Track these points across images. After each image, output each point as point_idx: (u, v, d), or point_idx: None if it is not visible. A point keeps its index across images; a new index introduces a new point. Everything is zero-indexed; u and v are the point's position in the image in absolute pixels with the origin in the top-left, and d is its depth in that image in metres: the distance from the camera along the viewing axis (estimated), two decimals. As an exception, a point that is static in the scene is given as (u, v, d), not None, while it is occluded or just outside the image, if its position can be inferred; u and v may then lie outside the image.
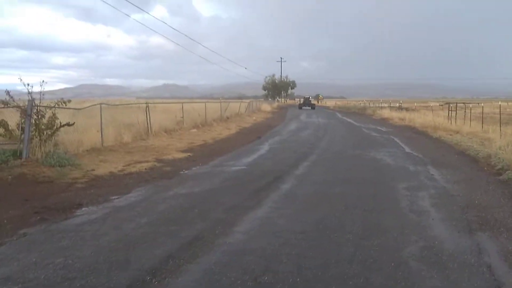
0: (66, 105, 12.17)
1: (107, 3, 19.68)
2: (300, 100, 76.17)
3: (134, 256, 4.76)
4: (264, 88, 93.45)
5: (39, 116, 11.17)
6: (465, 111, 24.74)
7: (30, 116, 10.91)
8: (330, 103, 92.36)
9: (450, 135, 19.19)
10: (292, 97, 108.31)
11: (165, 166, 11.52)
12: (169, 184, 9.01)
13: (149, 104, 29.76)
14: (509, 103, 62.21)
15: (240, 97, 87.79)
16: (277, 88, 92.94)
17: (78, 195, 8.09)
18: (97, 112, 19.56)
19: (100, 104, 14.43)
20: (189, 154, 13.89)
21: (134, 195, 8.06)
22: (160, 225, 5.96)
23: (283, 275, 4.23)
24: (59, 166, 10.50)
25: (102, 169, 10.79)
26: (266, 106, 54.92)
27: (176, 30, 34.26)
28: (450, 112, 26.29)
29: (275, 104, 73.23)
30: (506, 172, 9.91)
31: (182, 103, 23.11)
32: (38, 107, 11.10)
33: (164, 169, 11.14)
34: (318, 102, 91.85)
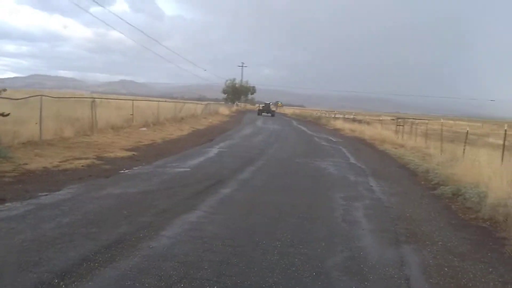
0: (1, 94, 11.35)
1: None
2: (259, 106, 70.83)
3: (46, 258, 4.44)
4: (224, 92, 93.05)
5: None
6: (411, 127, 25.82)
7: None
8: (288, 110, 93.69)
9: (395, 148, 19.92)
10: (253, 102, 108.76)
11: (105, 164, 11.04)
12: (104, 183, 8.60)
13: (102, 100, 28.75)
14: (456, 122, 65.99)
15: (200, 99, 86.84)
16: (237, 92, 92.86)
17: (3, 189, 7.54)
18: (44, 105, 18.60)
19: (41, 95, 13.62)
20: (133, 153, 13.43)
21: (63, 192, 7.61)
22: (82, 226, 5.62)
23: (200, 282, 4.09)
24: (-12, 158, 9.78)
25: (36, 164, 10.15)
26: (224, 110, 54.57)
27: (133, 26, 33.38)
28: (397, 126, 27.34)
29: (234, 108, 73.09)
30: (441, 187, 10.35)
31: (133, 100, 22.42)
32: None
33: (103, 167, 10.67)
34: (276, 109, 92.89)
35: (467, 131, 15.14)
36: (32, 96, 13.75)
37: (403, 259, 5.30)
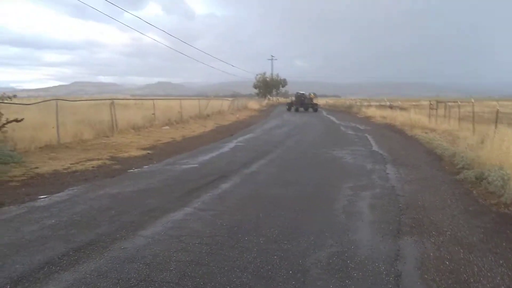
0: (11, 100, 11.63)
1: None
2: (291, 99, 54.95)
3: (11, 262, 4.32)
4: (255, 86, 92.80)
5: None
6: (447, 110, 24.36)
7: (-28, 111, 10.45)
8: (321, 101, 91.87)
9: (426, 133, 18.81)
10: (286, 95, 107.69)
11: (116, 164, 11.05)
12: (106, 183, 8.54)
13: (136, 101, 29.35)
14: (499, 102, 62.05)
15: (234, 95, 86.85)
16: (268, 86, 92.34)
17: (6, 193, 7.64)
18: (74, 110, 19.15)
19: (56, 99, 13.90)
20: (148, 151, 13.43)
21: (62, 194, 7.60)
22: (63, 228, 5.50)
23: (158, 285, 3.81)
24: (2, 163, 10.03)
25: (47, 167, 10.31)
26: (254, 104, 54.23)
27: (164, 31, 33.72)
28: (430, 110, 25.92)
29: (265, 102, 72.54)
30: (464, 171, 9.53)
31: (153, 99, 22.62)
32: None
33: (113, 167, 10.67)
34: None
35: (497, 110, 13.94)
36: (46, 101, 14.05)
37: (399, 253, 4.77)
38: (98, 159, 11.59)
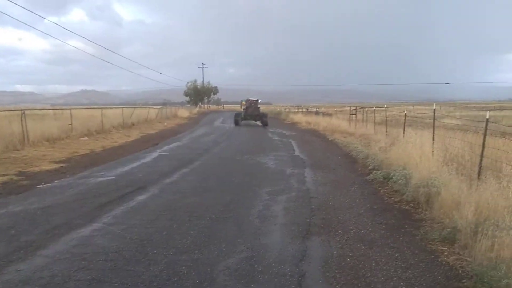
0: None
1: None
2: (241, 105, 46.72)
3: None
4: (186, 94, 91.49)
5: None
6: (363, 115, 25.98)
7: None
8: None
9: (344, 137, 19.90)
10: (219, 102, 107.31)
11: (24, 180, 10.22)
12: (10, 201, 7.85)
13: (55, 111, 27.35)
14: (415, 107, 67.38)
15: (165, 103, 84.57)
16: (199, 94, 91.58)
17: None
18: None
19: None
20: (62, 165, 12.59)
21: (-45, 216, 6.85)
22: None
23: (50, 309, 3.57)
24: None
25: None
26: (184, 112, 53.35)
27: (86, 38, 32.07)
28: (350, 116, 27.49)
29: (196, 110, 71.78)
30: (373, 172, 10.19)
31: (71, 109, 21.37)
32: None
33: (20, 183, 9.85)
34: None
35: (405, 113, 15.19)
36: None
37: (305, 254, 4.97)
38: (4, 175, 10.64)
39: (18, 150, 14.93)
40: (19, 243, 5.29)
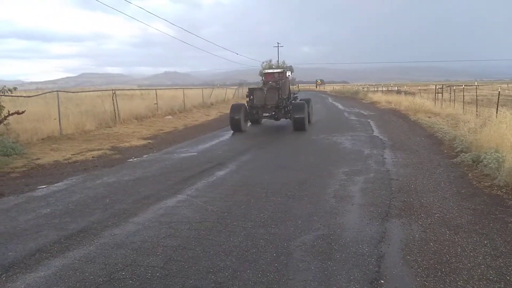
0: (11, 93, 11.80)
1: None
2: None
3: (4, 250, 4.47)
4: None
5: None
6: (450, 94, 24.11)
7: (-28, 105, 10.60)
8: (328, 88, 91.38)
9: (429, 117, 18.67)
10: (293, 82, 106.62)
11: (116, 154, 11.21)
12: (104, 173, 8.68)
13: (142, 91, 29.50)
14: (509, 85, 60.77)
15: (241, 84, 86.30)
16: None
17: (6, 184, 7.83)
18: (80, 101, 19.37)
19: (57, 91, 14.05)
20: (149, 141, 13.56)
21: (61, 184, 7.76)
22: (57, 216, 5.64)
23: (143, 270, 3.91)
24: (4, 155, 10.23)
25: (49, 158, 10.50)
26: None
27: (168, 21, 33.55)
28: (436, 94, 25.69)
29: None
30: (461, 154, 9.50)
31: (156, 89, 22.68)
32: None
33: (113, 157, 10.82)
34: (317, 87, 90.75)
35: (499, 92, 13.78)
36: (45, 93, 14.21)
37: (384, 235, 4.83)
38: (99, 149, 11.75)
39: (110, 127, 16.34)
40: (113, 211, 5.84)
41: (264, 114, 15.78)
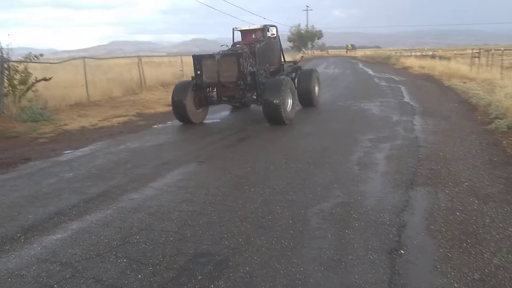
0: (38, 59, 11.96)
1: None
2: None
3: (25, 212, 4.58)
4: (290, 40, 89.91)
5: (11, 73, 11.06)
6: (488, 59, 22.74)
7: (2, 72, 10.82)
8: (359, 53, 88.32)
9: (464, 82, 17.75)
10: (323, 47, 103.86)
11: (141, 120, 11.30)
12: (129, 139, 8.77)
13: (170, 59, 29.50)
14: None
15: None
16: (303, 39, 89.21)
17: (33, 149, 8.03)
18: (108, 69, 19.57)
19: (84, 58, 14.16)
20: (173, 108, 13.55)
21: (86, 149, 7.90)
22: (79, 180, 5.74)
23: (157, 234, 3.91)
24: (32, 121, 10.49)
25: (76, 124, 10.70)
26: (287, 58, 52.84)
27: None
28: (472, 59, 24.32)
29: (298, 57, 70.50)
30: (496, 120, 8.97)
31: (181, 56, 22.55)
32: (9, 63, 10.96)
33: (138, 123, 10.92)
34: (347, 52, 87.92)
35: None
36: (73, 59, 14.33)
37: (407, 204, 4.61)
38: (125, 116, 11.87)
39: (136, 94, 16.47)
40: (133, 175, 5.87)
41: (223, 98, 10.15)
